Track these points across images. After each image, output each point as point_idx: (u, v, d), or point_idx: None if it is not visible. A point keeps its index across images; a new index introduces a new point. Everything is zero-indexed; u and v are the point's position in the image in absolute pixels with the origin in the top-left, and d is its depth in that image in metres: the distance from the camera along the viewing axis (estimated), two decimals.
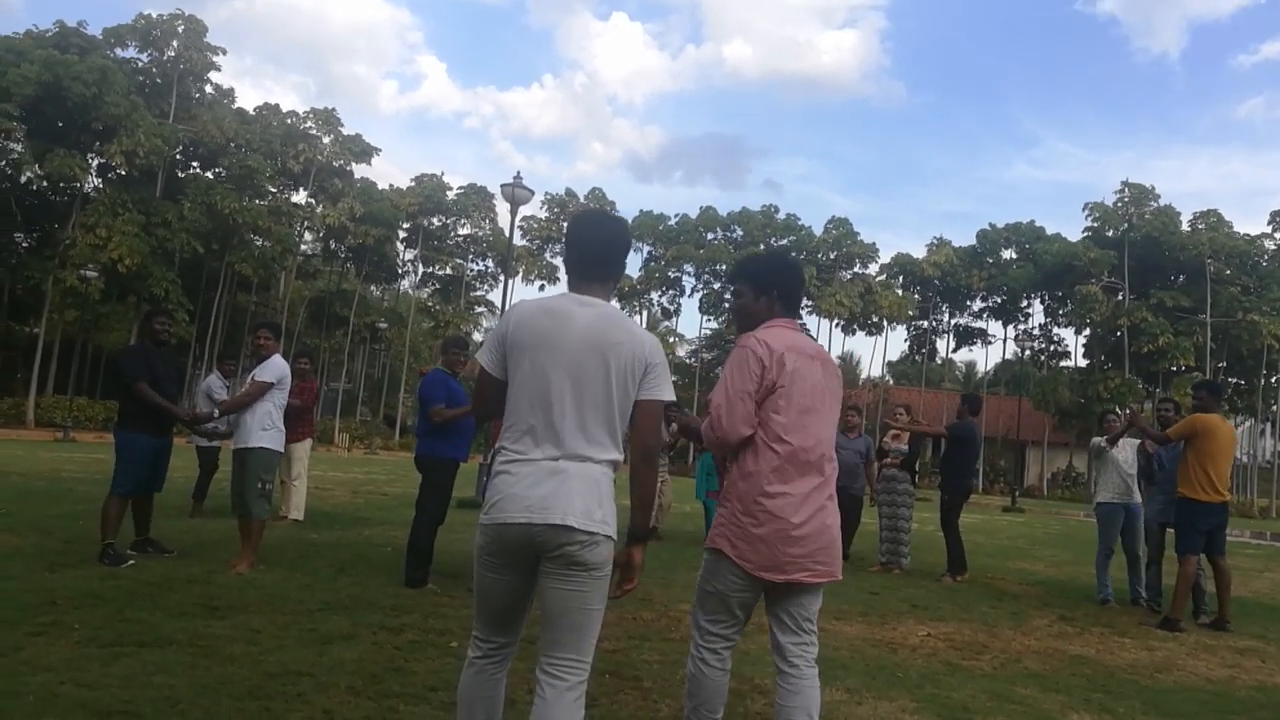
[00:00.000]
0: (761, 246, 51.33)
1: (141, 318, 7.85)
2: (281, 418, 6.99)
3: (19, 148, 35.46)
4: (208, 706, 3.61)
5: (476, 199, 50.69)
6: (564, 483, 2.59)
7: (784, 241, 52.49)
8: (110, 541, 6.54)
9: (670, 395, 2.74)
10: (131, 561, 6.49)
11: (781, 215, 52.81)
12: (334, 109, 47.36)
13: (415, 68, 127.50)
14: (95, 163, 37.62)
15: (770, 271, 3.41)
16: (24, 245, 39.00)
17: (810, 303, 51.89)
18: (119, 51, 39.81)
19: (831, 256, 52.79)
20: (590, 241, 2.82)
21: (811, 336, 3.58)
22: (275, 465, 7.13)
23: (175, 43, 40.68)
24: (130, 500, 6.90)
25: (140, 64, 40.95)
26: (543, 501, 2.57)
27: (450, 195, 50.67)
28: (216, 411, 7.65)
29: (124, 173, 37.34)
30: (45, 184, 38.06)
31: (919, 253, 53.87)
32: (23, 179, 37.46)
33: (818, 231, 52.76)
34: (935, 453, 10.51)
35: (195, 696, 3.71)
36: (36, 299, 36.03)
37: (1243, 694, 5.21)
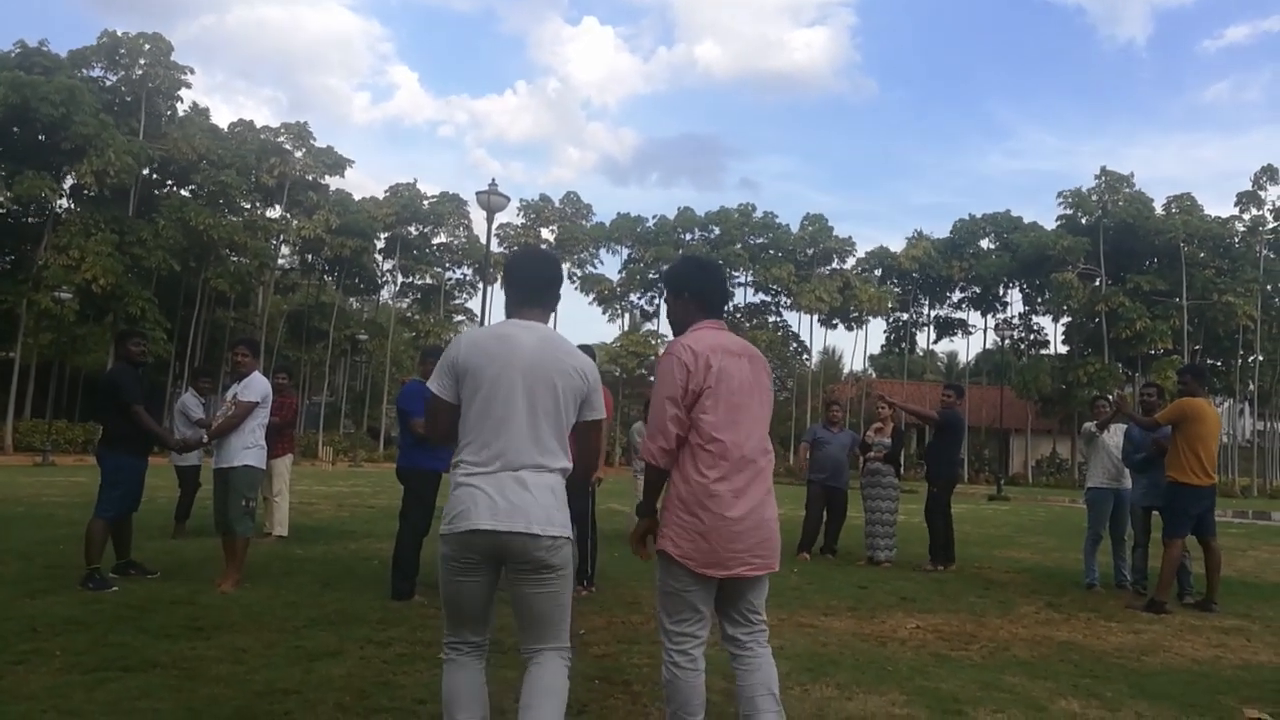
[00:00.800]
0: (739, 245, 51.46)
1: (115, 338, 7.74)
2: (263, 435, 6.95)
3: None
4: None
5: (451, 206, 50.47)
6: (526, 492, 2.84)
7: (761, 240, 52.62)
8: (96, 566, 6.46)
9: (603, 413, 3.10)
10: (115, 588, 6.41)
11: (758, 214, 52.94)
12: (305, 123, 47.26)
13: (387, 78, 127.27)
14: (68, 183, 37.26)
15: (683, 275, 3.50)
16: None
17: (790, 298, 52.03)
18: (85, 72, 39.43)
19: (809, 253, 52.95)
20: (532, 276, 3.18)
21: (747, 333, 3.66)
22: (258, 483, 7.09)
23: (143, 61, 40.36)
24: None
25: (108, 83, 40.59)
26: (509, 510, 2.81)
27: (425, 204, 50.47)
28: (205, 436, 7.55)
29: (95, 193, 36.97)
30: (16, 206, 37.62)
31: (898, 246, 54.27)
32: None
33: (795, 229, 52.94)
34: (919, 444, 10.47)
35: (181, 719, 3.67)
36: (10, 323, 35.60)
37: (1229, 673, 5.25)
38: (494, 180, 16.35)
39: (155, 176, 41.48)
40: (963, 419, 10.07)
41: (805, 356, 55.47)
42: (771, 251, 52.23)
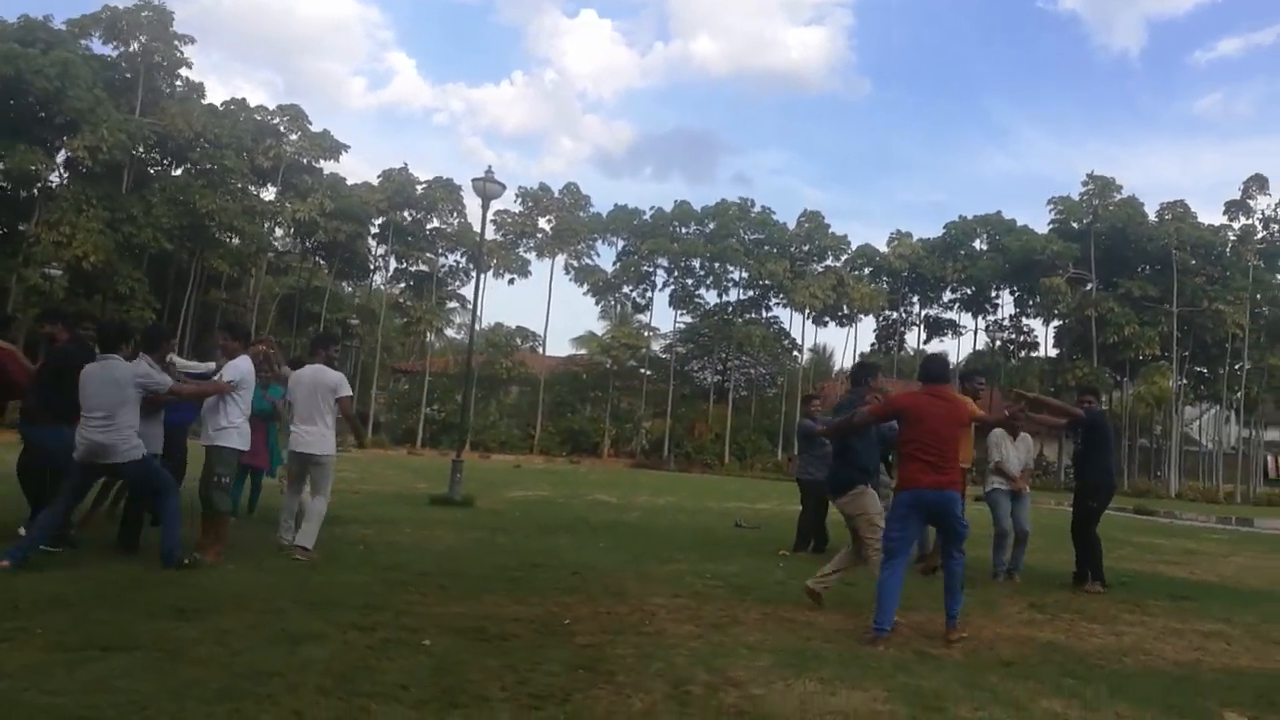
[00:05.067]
0: (734, 240, 51.41)
1: (64, 323, 7.68)
2: (244, 418, 7.11)
3: None
4: (175, 711, 3.56)
5: (444, 192, 50.22)
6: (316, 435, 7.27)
7: (757, 235, 52.59)
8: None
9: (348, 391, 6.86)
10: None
11: (756, 209, 52.89)
12: (299, 106, 47.04)
13: (385, 65, 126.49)
14: (62, 157, 36.98)
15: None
16: None
17: (783, 295, 52.04)
18: (85, 44, 39.09)
19: (804, 249, 52.97)
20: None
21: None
22: (234, 463, 7.20)
23: (141, 35, 40.03)
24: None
25: (109, 59, 40.26)
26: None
27: (419, 189, 50.26)
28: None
29: (88, 168, 36.71)
30: (5, 182, 37.34)
31: (886, 244, 54.35)
32: None
33: (790, 225, 52.93)
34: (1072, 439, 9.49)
35: (162, 700, 3.66)
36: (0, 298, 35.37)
37: (1208, 676, 5.28)
38: (489, 168, 16.24)
39: (152, 154, 41.17)
40: (1107, 422, 9.30)
41: (796, 353, 55.57)
42: (767, 247, 52.22)
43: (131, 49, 40.15)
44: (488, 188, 16.16)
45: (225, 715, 3.56)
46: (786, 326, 55.20)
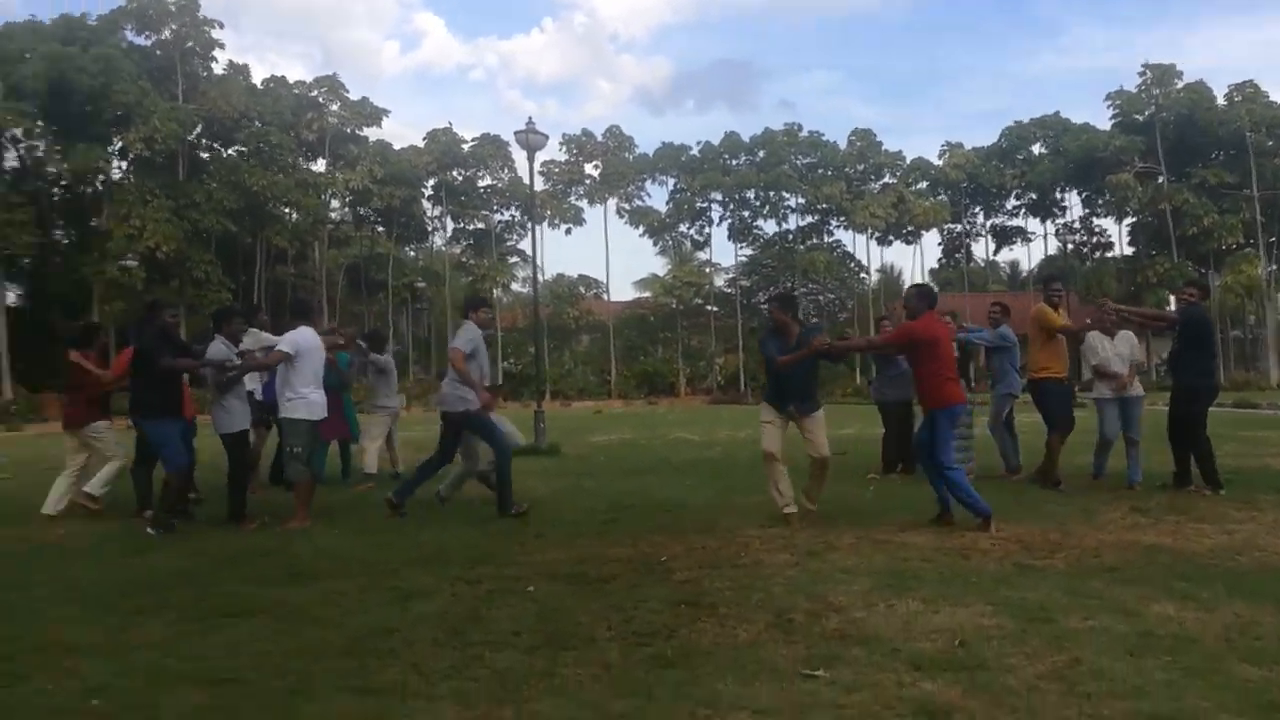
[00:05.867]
0: (786, 167, 50.46)
1: (146, 309, 8.18)
2: (311, 388, 7.31)
3: (42, 145, 35.92)
4: (306, 668, 3.73)
5: (492, 149, 50.20)
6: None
7: (809, 159, 51.54)
8: (156, 512, 7.20)
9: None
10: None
11: (804, 133, 51.74)
12: (336, 75, 47.29)
13: (414, 26, 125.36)
14: (118, 148, 37.89)
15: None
16: (65, 242, 39.64)
17: (843, 218, 51.14)
18: (125, 36, 39.72)
19: (859, 169, 51.78)
20: None
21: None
22: (304, 433, 7.36)
23: (171, 22, 40.45)
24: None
25: (144, 48, 40.88)
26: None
27: (465, 148, 50.33)
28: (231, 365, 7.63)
29: (146, 159, 37.55)
30: (70, 179, 38.44)
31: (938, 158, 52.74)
32: (49, 175, 37.94)
33: (842, 145, 51.71)
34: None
35: (293, 660, 3.84)
36: (84, 293, 36.67)
37: None
38: (531, 119, 16.14)
39: (200, 139, 41.93)
40: (1208, 318, 8.70)
41: (863, 275, 54.68)
42: (821, 170, 51.21)
43: (164, 37, 40.62)
44: (530, 139, 16.10)
45: (351, 670, 3.71)
46: (850, 249, 54.36)
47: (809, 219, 53.22)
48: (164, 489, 7.34)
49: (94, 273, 35.08)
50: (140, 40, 40.19)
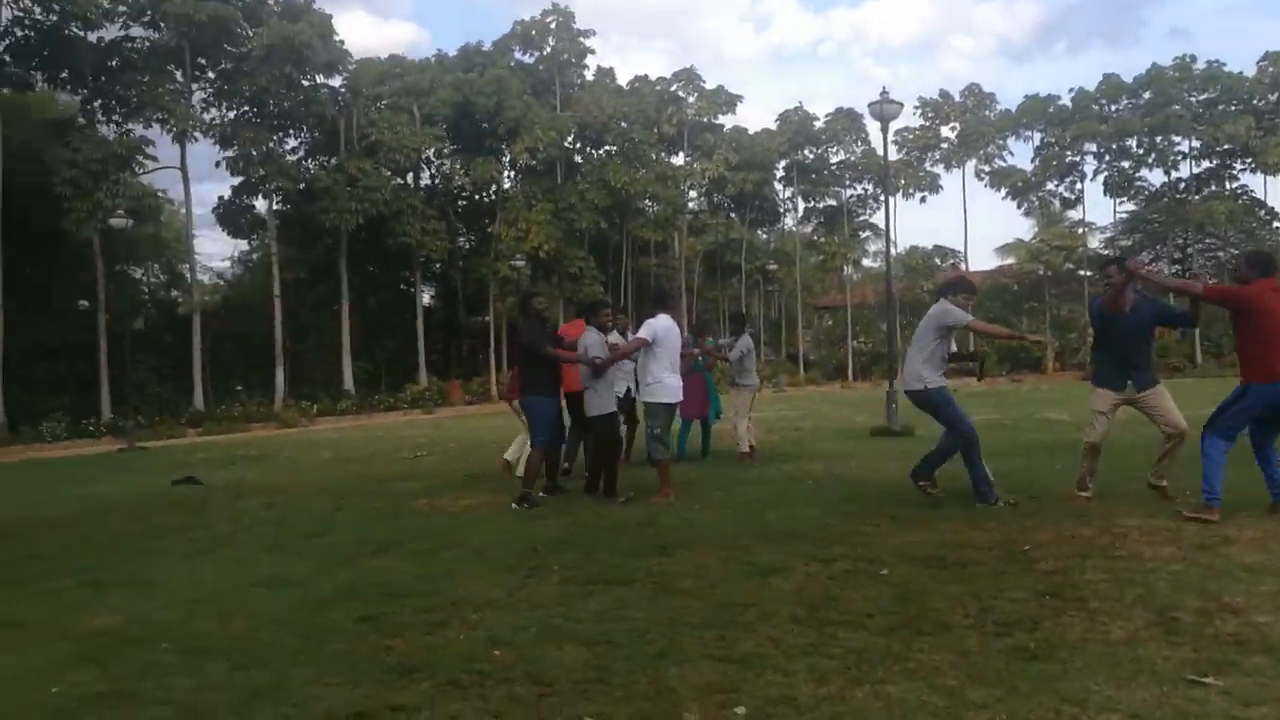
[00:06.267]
0: (1176, 107, 44.39)
1: (520, 299, 9.20)
2: (668, 373, 7.79)
3: (448, 163, 41.71)
4: (671, 636, 4.06)
5: (845, 122, 49.56)
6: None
7: (1206, 95, 44.90)
8: (527, 490, 7.81)
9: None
10: (540, 505, 7.72)
11: (1199, 65, 45.12)
12: (693, 67, 49.07)
13: (764, 7, 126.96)
14: (507, 159, 42.87)
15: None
16: (467, 247, 45.56)
17: (1250, 160, 44.11)
18: (512, 56, 44.66)
19: (1271, 99, 44.20)
20: None
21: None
22: (662, 415, 7.90)
23: (551, 39, 44.54)
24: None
25: (528, 65, 45.51)
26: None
27: (818, 125, 50.14)
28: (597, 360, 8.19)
29: (530, 167, 41.99)
30: (473, 189, 44.11)
31: None
32: (455, 188, 43.95)
33: (1249, 73, 44.44)
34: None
35: (659, 628, 4.18)
36: (482, 291, 41.85)
37: None
38: (884, 89, 15.78)
39: (574, 144, 45.90)
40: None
41: (1276, 225, 46.76)
42: (1221, 106, 44.45)
43: (545, 52, 44.85)
44: (885, 109, 15.75)
45: (713, 641, 3.97)
46: (1261, 195, 46.70)
47: (1205, 164, 46.50)
48: (525, 467, 8.08)
49: (490, 273, 39.88)
50: (526, 58, 44.88)
